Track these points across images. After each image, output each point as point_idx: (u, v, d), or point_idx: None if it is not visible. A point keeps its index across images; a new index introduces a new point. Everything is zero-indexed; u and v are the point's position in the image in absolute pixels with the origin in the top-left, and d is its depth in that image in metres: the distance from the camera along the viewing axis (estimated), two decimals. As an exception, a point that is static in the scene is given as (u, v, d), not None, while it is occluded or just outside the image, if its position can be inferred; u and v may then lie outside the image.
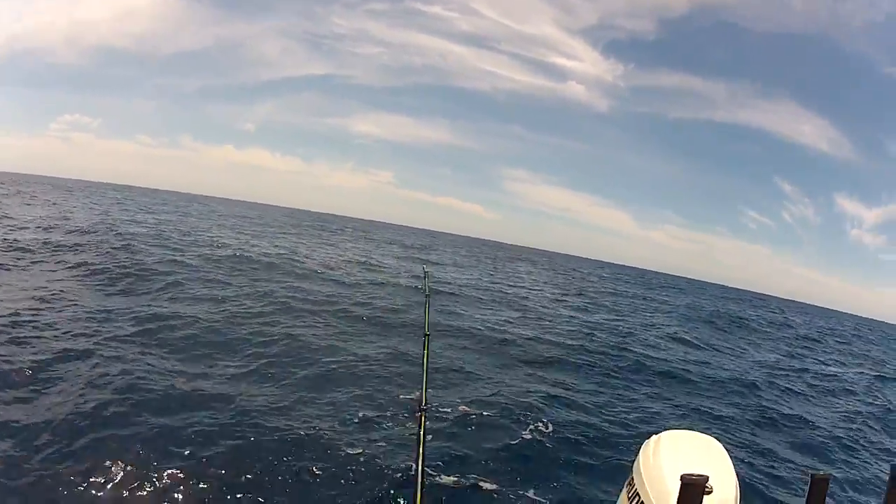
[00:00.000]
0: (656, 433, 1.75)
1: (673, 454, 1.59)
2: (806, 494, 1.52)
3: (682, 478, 1.32)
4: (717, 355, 14.62)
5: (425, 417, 2.72)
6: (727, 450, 1.67)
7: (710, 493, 1.43)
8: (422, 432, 2.61)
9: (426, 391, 3.02)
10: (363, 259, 23.91)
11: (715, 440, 1.71)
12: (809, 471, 1.61)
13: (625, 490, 1.64)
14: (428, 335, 3.71)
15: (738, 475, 1.61)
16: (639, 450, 1.70)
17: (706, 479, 1.35)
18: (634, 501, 1.56)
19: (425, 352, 3.47)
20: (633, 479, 1.61)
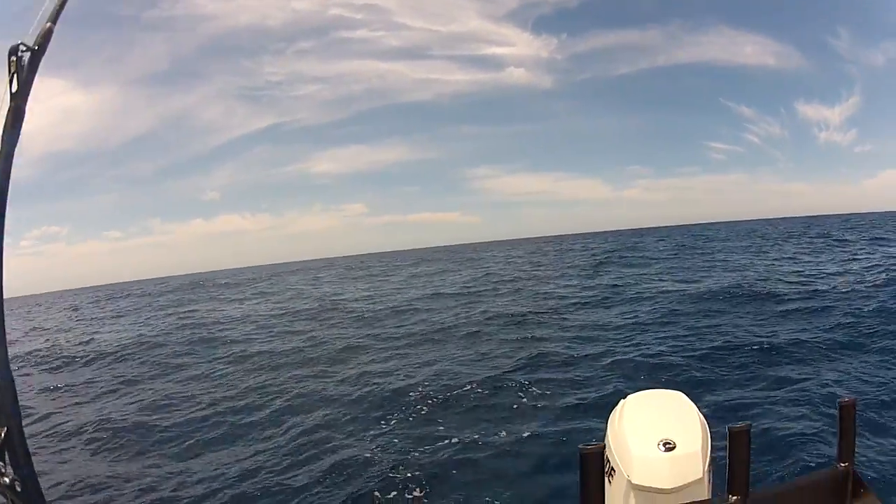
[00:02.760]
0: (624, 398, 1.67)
1: (636, 417, 1.53)
2: (838, 421, 1.43)
3: (580, 449, 1.23)
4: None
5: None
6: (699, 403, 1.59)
7: (672, 448, 1.39)
8: None
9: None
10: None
11: (681, 394, 1.63)
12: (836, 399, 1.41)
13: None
14: None
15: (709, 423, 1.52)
16: (608, 418, 1.63)
17: (602, 447, 1.30)
18: (607, 469, 1.47)
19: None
20: (604, 446, 1.52)
